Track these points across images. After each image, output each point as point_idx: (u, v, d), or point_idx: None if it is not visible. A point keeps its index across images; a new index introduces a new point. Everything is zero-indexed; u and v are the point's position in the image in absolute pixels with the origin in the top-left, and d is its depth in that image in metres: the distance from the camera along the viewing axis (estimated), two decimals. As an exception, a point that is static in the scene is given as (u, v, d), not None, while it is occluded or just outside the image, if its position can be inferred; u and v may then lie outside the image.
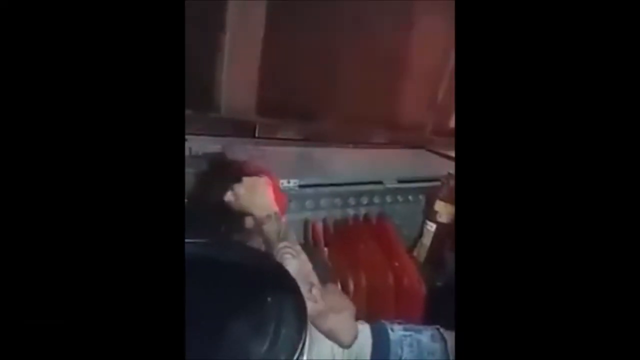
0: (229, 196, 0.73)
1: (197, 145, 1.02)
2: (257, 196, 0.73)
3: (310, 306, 0.61)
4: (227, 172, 0.78)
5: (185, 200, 0.79)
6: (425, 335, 0.87)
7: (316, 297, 0.64)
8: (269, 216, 0.72)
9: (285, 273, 0.56)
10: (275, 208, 0.74)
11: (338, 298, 0.74)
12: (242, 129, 1.33)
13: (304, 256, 0.69)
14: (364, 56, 1.55)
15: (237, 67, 1.41)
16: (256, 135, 1.38)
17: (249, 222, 0.76)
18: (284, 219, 0.75)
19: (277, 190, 0.80)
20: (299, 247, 0.70)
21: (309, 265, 0.69)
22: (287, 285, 0.53)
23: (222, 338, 0.44)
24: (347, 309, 0.73)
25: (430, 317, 0.94)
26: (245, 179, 0.73)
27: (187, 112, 1.28)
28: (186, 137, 1.06)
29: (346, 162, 1.12)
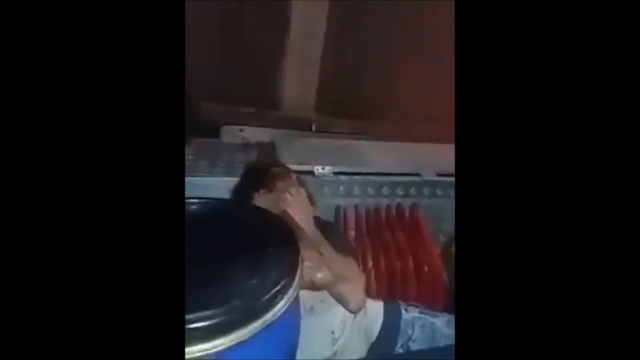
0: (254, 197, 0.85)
1: (251, 134, 1.20)
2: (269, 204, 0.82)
3: (321, 273, 0.70)
4: (257, 176, 0.90)
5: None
6: (441, 320, 0.89)
7: (325, 264, 0.72)
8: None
9: (289, 231, 0.66)
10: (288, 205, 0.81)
11: (349, 268, 0.81)
12: (300, 125, 1.49)
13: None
14: (419, 57, 1.58)
15: (298, 70, 1.58)
16: (312, 130, 1.53)
17: None
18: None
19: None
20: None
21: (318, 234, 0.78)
22: (288, 240, 0.64)
23: (228, 271, 0.57)
24: (357, 278, 0.80)
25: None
26: (257, 195, 0.84)
27: (250, 109, 1.50)
28: (242, 127, 1.25)
29: (386, 154, 1.18)
